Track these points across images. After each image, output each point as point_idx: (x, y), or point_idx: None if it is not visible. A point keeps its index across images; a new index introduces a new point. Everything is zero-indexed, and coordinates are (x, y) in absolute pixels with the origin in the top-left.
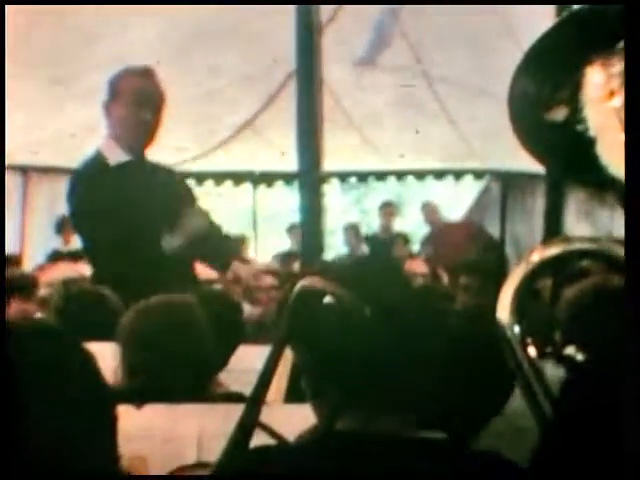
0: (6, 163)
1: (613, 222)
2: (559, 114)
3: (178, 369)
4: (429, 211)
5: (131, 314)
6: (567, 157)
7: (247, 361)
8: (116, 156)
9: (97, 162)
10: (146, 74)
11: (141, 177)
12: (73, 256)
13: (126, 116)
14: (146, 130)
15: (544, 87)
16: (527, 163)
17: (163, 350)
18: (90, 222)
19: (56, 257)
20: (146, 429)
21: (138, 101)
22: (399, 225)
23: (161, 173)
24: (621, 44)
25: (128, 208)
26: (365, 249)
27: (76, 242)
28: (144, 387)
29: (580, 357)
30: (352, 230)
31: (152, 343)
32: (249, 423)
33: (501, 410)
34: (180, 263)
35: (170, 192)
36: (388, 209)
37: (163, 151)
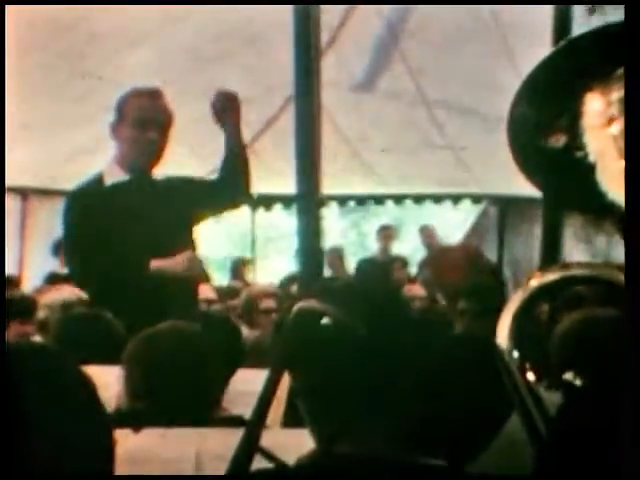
0: (6, 185)
1: (611, 247)
2: (558, 141)
3: (183, 394)
4: (427, 234)
5: (139, 339)
6: (566, 183)
7: (245, 384)
8: (114, 177)
9: (93, 183)
10: (153, 95)
11: (138, 196)
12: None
13: (132, 136)
14: (152, 150)
15: (543, 114)
16: (524, 188)
17: (170, 376)
18: (81, 244)
19: (54, 279)
20: (146, 452)
21: (144, 122)
22: (397, 248)
23: (163, 188)
24: (619, 71)
25: (119, 228)
26: (349, 272)
27: None
28: (147, 410)
29: (578, 382)
30: (336, 254)
31: (159, 368)
32: (249, 447)
33: (498, 434)
34: (180, 284)
35: (173, 203)
36: (387, 232)
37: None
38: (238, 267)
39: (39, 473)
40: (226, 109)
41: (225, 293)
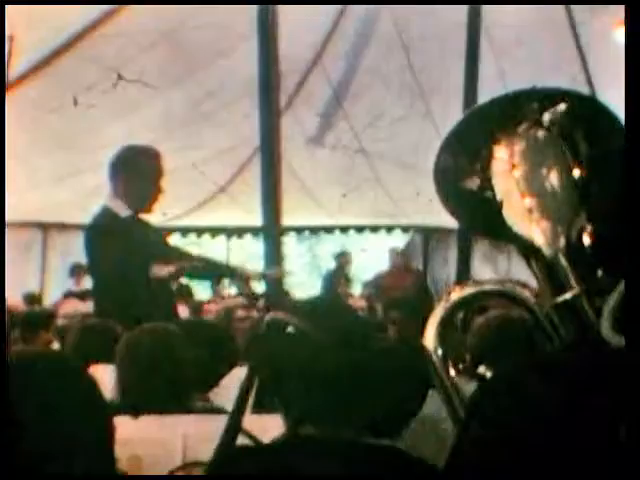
0: (29, 220)
1: (510, 267)
2: (473, 183)
3: (161, 386)
4: (394, 255)
5: (124, 341)
6: (479, 217)
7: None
8: (123, 211)
9: (109, 215)
10: (159, 157)
11: (143, 230)
12: (83, 295)
13: (141, 188)
14: (154, 200)
15: (461, 161)
16: (443, 220)
17: (149, 371)
18: (105, 264)
19: (69, 295)
20: (141, 435)
21: (154, 179)
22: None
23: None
24: (520, 128)
25: (136, 252)
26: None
27: (85, 284)
28: (135, 403)
29: (489, 374)
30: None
31: (137, 365)
32: (234, 429)
33: (417, 414)
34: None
35: (159, 243)
36: (345, 258)
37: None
38: (216, 285)
39: (48, 457)
40: None
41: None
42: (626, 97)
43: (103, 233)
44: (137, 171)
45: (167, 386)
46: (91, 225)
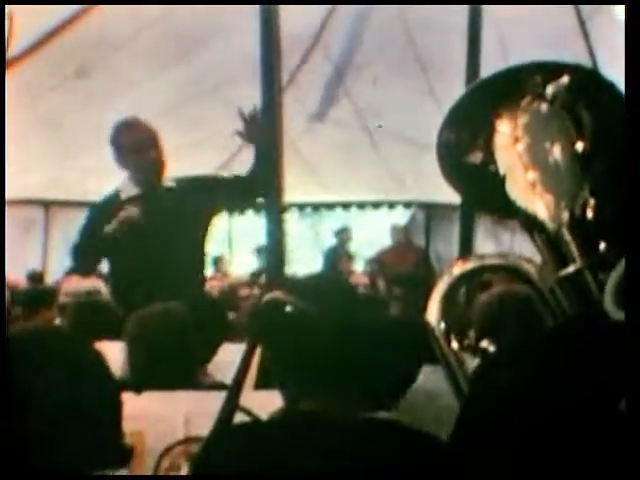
0: (31, 198)
1: (514, 242)
2: (476, 157)
3: (170, 364)
4: (396, 232)
5: (133, 320)
6: (482, 192)
7: (225, 355)
8: (129, 192)
9: (111, 197)
10: (135, 123)
11: (149, 206)
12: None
13: (135, 161)
14: (155, 166)
15: (464, 136)
16: (445, 196)
17: (158, 349)
18: (88, 245)
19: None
20: (144, 410)
21: (138, 148)
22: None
23: (175, 195)
24: (523, 102)
25: (133, 235)
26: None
27: None
28: (145, 380)
29: (492, 348)
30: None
31: (150, 344)
32: (231, 406)
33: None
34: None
35: (181, 210)
36: (345, 234)
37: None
38: (218, 262)
39: (59, 429)
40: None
41: None
42: (627, 97)
43: (96, 217)
44: (120, 147)
45: (176, 365)
46: (91, 208)
